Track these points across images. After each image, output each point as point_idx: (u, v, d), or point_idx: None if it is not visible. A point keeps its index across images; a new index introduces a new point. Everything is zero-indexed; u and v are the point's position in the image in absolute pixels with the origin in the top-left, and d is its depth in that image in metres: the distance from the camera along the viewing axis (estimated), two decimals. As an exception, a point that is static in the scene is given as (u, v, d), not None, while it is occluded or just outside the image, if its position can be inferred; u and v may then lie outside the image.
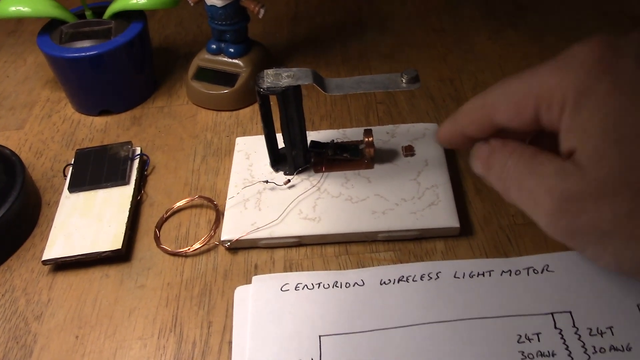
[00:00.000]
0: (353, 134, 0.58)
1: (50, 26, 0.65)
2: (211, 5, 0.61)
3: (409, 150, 0.56)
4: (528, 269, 0.47)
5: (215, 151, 0.60)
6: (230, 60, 0.65)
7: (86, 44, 0.63)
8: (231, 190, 0.54)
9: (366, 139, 0.54)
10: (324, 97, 0.65)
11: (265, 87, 0.49)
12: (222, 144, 0.61)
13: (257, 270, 0.50)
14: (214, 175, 0.58)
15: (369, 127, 0.55)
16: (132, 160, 0.58)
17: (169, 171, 0.59)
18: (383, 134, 0.58)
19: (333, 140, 0.57)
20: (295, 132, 0.53)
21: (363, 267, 0.49)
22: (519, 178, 0.36)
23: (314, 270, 0.49)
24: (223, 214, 0.52)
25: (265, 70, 0.50)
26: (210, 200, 0.54)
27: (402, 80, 0.50)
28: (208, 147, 0.61)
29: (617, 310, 0.44)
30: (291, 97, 0.50)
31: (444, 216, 0.50)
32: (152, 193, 0.57)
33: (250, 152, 0.57)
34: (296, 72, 0.50)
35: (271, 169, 0.56)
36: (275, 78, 0.50)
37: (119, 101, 0.66)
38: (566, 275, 0.46)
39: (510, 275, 0.46)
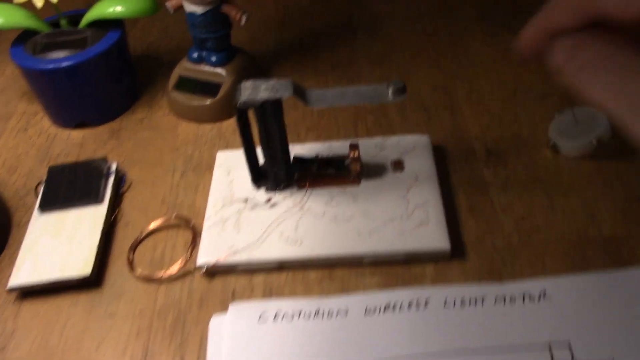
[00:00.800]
0: (340, 147, 0.54)
1: (24, 36, 0.62)
2: (190, 13, 0.58)
3: (398, 165, 0.53)
4: (524, 295, 0.44)
5: (195, 166, 0.57)
6: (213, 69, 0.62)
7: (61, 54, 0.60)
8: (209, 210, 0.51)
9: (352, 154, 0.51)
10: (311, 107, 0.61)
11: (242, 100, 0.46)
12: (204, 158, 0.58)
13: (234, 296, 0.47)
14: (193, 192, 0.55)
15: (355, 142, 0.52)
16: (107, 177, 0.55)
17: (146, 187, 0.56)
18: (371, 147, 0.55)
19: (318, 154, 0.54)
20: (275, 148, 0.49)
21: (347, 292, 0.46)
22: (615, 73, 0.30)
23: (295, 296, 0.46)
24: (201, 235, 0.49)
25: (242, 82, 0.47)
26: (187, 220, 0.51)
27: (388, 92, 0.47)
28: (188, 161, 0.58)
29: (619, 340, 0.41)
30: (270, 111, 0.47)
31: (434, 237, 0.47)
32: (128, 211, 0.54)
33: (232, 168, 0.54)
34: (275, 84, 0.47)
35: (253, 185, 0.53)
36: (253, 91, 0.47)
37: (96, 113, 0.63)
38: (565, 301, 0.43)
39: (504, 303, 0.43)
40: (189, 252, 0.49)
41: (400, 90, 0.46)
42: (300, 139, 0.58)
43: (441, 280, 0.46)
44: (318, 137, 0.59)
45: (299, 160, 0.53)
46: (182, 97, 0.62)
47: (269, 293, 0.47)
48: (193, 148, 0.59)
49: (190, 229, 0.51)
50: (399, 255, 0.47)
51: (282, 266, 0.48)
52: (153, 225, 0.52)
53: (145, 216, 0.53)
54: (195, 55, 0.62)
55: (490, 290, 0.44)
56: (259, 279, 0.48)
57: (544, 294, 0.44)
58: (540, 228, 0.48)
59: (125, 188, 0.56)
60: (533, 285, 0.44)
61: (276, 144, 0.49)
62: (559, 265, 0.45)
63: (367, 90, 0.47)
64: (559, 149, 0.53)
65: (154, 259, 0.50)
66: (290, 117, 0.57)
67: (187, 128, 0.61)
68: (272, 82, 0.47)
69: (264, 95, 0.46)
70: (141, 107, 0.65)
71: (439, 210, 0.49)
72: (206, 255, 0.48)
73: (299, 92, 0.47)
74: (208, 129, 0.61)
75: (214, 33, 0.60)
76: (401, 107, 0.60)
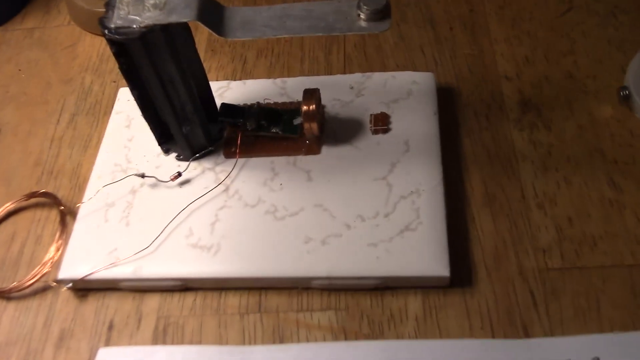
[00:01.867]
0: (298, 87, 0.35)
1: None
2: None
3: (382, 122, 0.34)
4: (564, 364, 0.26)
5: (91, 106, 0.40)
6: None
7: None
8: (90, 188, 0.34)
9: (306, 107, 0.32)
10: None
11: (113, 26, 0.27)
12: (105, 95, 0.40)
13: (112, 330, 0.30)
14: (82, 149, 0.38)
15: (313, 88, 0.33)
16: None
17: (17, 139, 0.38)
18: (344, 90, 0.36)
19: (258, 102, 0.35)
20: (181, 99, 0.31)
21: (282, 339, 0.29)
22: None
23: (201, 337, 0.29)
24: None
25: (118, -6, 0.28)
26: (57, 201, 0.34)
27: (358, 15, 0.27)
28: (83, 98, 0.40)
29: None
30: (163, 45, 0.28)
31: (425, 253, 0.29)
32: (-14, 176, 0.36)
33: (135, 116, 0.36)
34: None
35: (160, 150, 0.35)
36: (135, 9, 0.28)
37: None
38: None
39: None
40: (56, 253, 0.32)
41: (381, 13, 0.27)
42: (245, 72, 0.40)
43: (431, 325, 0.28)
44: (271, 69, 0.39)
45: (228, 111, 0.34)
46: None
47: (162, 330, 0.30)
48: (93, 77, 0.41)
49: (61, 215, 0.34)
50: (368, 281, 0.29)
51: (187, 286, 0.31)
52: (10, 205, 0.34)
53: (7, 186, 0.36)
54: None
55: (509, 351, 0.27)
56: (151, 304, 0.31)
57: (598, 366, 0.26)
58: (598, 240, 0.30)
59: (-13, 139, 0.38)
60: (579, 347, 0.27)
61: (180, 93, 0.31)
62: (625, 310, 0.28)
63: (325, 10, 0.28)
64: (635, 105, 0.34)
65: (9, 258, 0.33)
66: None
67: (90, 46, 0.43)
68: (166, -7, 0.28)
69: (151, 17, 0.27)
70: (33, 13, 0.46)
71: (437, 204, 0.31)
72: (72, 265, 0.31)
73: (210, 14, 0.28)
74: (118, 49, 0.42)
75: None
76: (400, 22, 0.41)
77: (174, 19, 0.27)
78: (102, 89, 0.40)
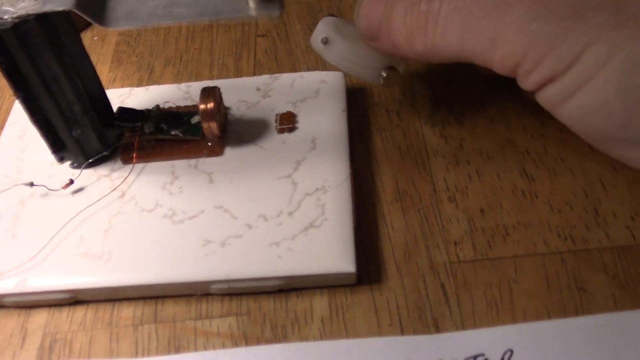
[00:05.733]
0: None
1: None
2: None
3: (288, 121, 0.32)
4: (475, 358, 0.25)
5: (-12, 120, 0.37)
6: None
7: None
8: (-25, 200, 0.31)
9: (203, 106, 0.30)
10: (176, 28, 0.41)
11: (-21, 16, 0.26)
12: (2, 109, 0.38)
13: (-7, 352, 0.27)
14: (-26, 165, 0.35)
15: (211, 85, 0.31)
16: None
17: None
18: (251, 92, 0.35)
19: (158, 105, 0.33)
20: (67, 99, 0.29)
21: (178, 349, 0.27)
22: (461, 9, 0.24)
23: (89, 352, 0.27)
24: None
25: (-9, -16, 0.27)
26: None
27: (247, 1, 0.26)
28: (-21, 113, 0.38)
29: None
30: (41, 38, 0.26)
31: (331, 250, 0.27)
32: None
33: (30, 126, 0.34)
34: (47, -14, 0.26)
35: (54, 159, 0.32)
36: (9, 1, 0.26)
37: None
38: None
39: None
40: None
41: (271, -4, 0.26)
42: (153, 79, 0.38)
43: (337, 325, 0.27)
44: (179, 75, 0.38)
45: (124, 115, 0.32)
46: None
47: (48, 348, 0.27)
48: (-8, 92, 0.39)
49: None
50: (270, 282, 0.27)
51: (77, 299, 0.28)
52: None
53: None
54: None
55: (418, 347, 0.25)
56: (38, 320, 0.28)
57: (510, 357, 0.25)
58: (510, 230, 0.29)
59: None
60: (492, 339, 0.25)
61: (65, 92, 0.29)
62: (538, 299, 0.27)
63: (212, -4, 0.27)
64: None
65: None
66: (138, 39, 0.37)
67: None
68: (40, -18, 0.26)
69: (24, 7, 0.26)
70: None
71: (344, 200, 0.29)
72: (-51, 281, 0.28)
73: (90, 2, 0.26)
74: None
75: None
76: (311, 24, 0.40)
77: (49, 7, 0.26)
78: (0, 103, 0.38)
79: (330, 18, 0.31)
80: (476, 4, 0.24)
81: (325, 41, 0.30)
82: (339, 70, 0.32)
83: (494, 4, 0.23)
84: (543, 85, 0.24)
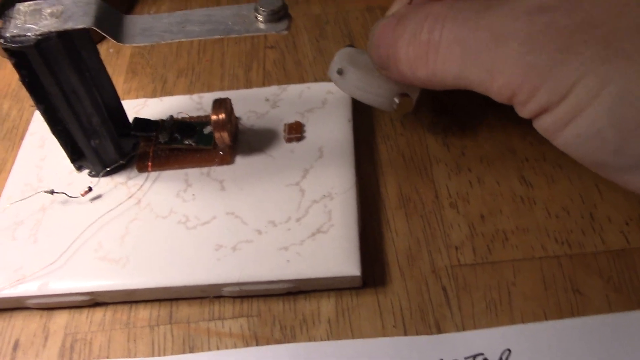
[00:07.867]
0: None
1: None
2: None
3: (296, 131, 0.34)
4: (475, 358, 0.26)
5: (8, 131, 0.39)
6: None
7: None
8: (0, 204, 0.33)
9: (215, 117, 0.32)
10: (188, 41, 0.42)
11: (8, 35, 0.27)
12: (22, 119, 0.40)
13: (16, 351, 0.29)
14: (-4, 173, 0.36)
15: (223, 97, 0.33)
16: None
17: None
18: (260, 102, 0.36)
19: (172, 116, 0.34)
20: (86, 111, 0.31)
21: (193, 349, 0.28)
22: (460, 41, 0.25)
23: (109, 352, 0.28)
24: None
25: (16, 5, 0.28)
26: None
27: (256, 18, 0.27)
28: (0, 124, 0.39)
29: None
30: (62, 54, 0.28)
31: (337, 254, 0.29)
32: None
33: (50, 136, 0.35)
34: (69, 6, 0.28)
35: (73, 167, 0.34)
36: (32, 18, 0.28)
37: None
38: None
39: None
40: (-40, 275, 0.31)
41: (278, 14, 0.27)
42: (166, 90, 0.40)
43: (344, 326, 0.28)
44: (191, 86, 0.39)
45: (140, 125, 0.34)
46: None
47: (69, 347, 0.29)
48: (11, 103, 0.41)
49: (-34, 238, 0.33)
50: (279, 285, 0.29)
51: (96, 300, 0.30)
52: None
53: None
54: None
55: (421, 347, 0.26)
56: (59, 321, 0.30)
57: (508, 357, 0.26)
58: (509, 235, 0.30)
59: None
60: (491, 340, 0.26)
61: (85, 105, 0.30)
62: (536, 301, 0.28)
63: (223, 15, 0.28)
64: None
65: None
66: (155, 54, 0.38)
67: (11, 73, 0.42)
68: (64, 3, 0.28)
69: (47, 25, 0.27)
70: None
71: (349, 206, 0.30)
72: (-25, 285, 0.30)
73: (108, 20, 0.28)
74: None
75: None
76: (319, 36, 0.41)
77: (70, 25, 0.27)
78: (20, 114, 0.40)
79: (346, 49, 0.32)
80: (474, 36, 0.25)
81: (340, 72, 0.31)
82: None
83: (491, 36, 0.24)
84: (539, 114, 0.25)
